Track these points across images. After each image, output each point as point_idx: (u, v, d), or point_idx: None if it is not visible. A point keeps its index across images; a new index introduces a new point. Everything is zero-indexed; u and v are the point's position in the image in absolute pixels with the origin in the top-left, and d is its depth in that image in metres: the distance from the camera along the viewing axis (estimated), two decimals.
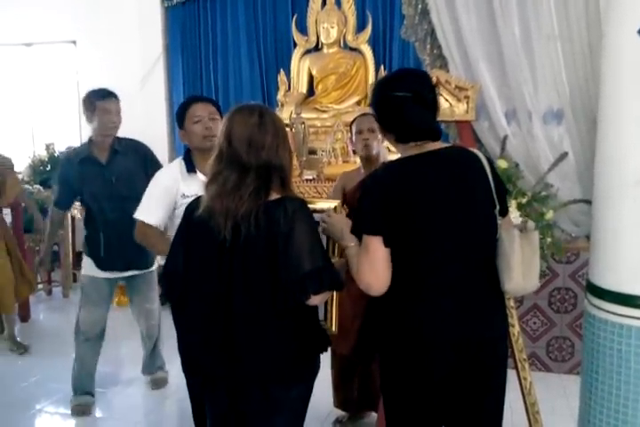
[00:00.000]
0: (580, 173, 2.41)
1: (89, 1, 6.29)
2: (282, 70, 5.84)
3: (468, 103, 2.35)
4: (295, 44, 5.92)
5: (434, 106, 1.77)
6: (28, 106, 7.02)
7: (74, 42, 6.67)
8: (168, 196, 2.36)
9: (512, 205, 2.24)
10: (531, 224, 1.77)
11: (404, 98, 1.69)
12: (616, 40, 2.12)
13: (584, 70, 2.38)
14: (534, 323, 3.65)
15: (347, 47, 5.81)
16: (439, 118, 2.39)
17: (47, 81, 6.94)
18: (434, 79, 2.33)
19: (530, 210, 2.26)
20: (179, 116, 2.47)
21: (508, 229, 1.72)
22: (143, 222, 2.38)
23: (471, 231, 1.68)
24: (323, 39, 5.71)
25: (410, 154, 1.73)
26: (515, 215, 2.21)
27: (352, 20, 5.68)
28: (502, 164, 2.26)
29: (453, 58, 2.51)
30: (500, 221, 1.75)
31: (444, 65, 2.52)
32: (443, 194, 1.66)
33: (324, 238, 1.80)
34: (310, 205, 1.78)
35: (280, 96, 5.82)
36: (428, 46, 2.56)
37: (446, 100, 2.35)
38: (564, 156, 2.34)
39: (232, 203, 1.64)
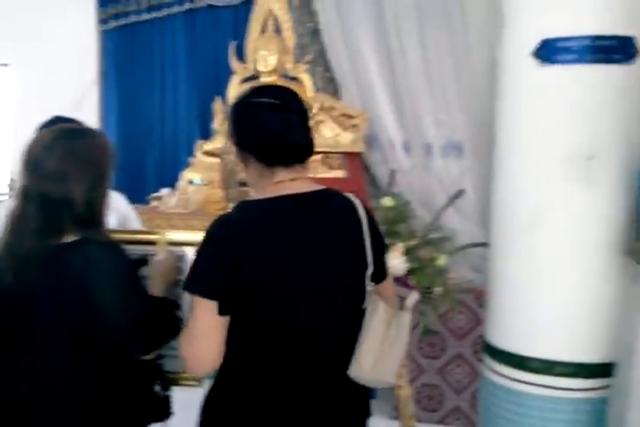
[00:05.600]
0: (482, 214, 2.16)
1: (23, 23, 6.05)
2: (218, 98, 5.59)
3: (356, 132, 2.10)
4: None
5: (306, 119, 1.41)
6: None
7: (5, 64, 6.40)
8: None
9: (400, 248, 1.96)
10: (411, 299, 1.40)
11: (269, 104, 1.35)
12: (510, 66, 1.90)
13: (487, 102, 2.15)
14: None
15: (287, 76, 5.61)
16: (322, 149, 2.17)
17: None
18: (317, 104, 2.10)
19: (420, 254, 1.98)
20: None
21: (374, 300, 1.36)
22: None
23: (334, 300, 1.33)
24: (261, 67, 5.49)
25: (270, 195, 1.36)
26: (400, 260, 1.93)
27: (292, 48, 5.49)
28: (388, 202, 1.98)
29: (346, 83, 2.28)
30: (370, 287, 1.39)
31: (335, 91, 2.28)
32: (303, 250, 1.32)
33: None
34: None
35: (216, 125, 5.55)
36: (320, 69, 2.33)
37: (331, 128, 2.10)
38: (460, 193, 2.08)
39: (13, 240, 1.37)
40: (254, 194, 1.43)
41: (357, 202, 1.43)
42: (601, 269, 1.78)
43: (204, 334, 1.26)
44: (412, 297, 1.42)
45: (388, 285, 1.46)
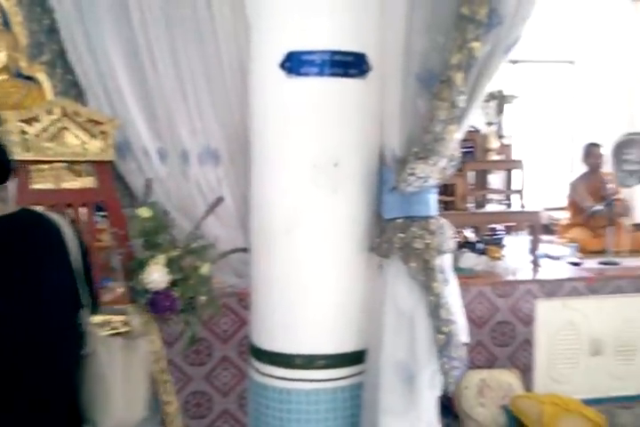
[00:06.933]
0: (242, 220, 2.19)
1: None
2: None
3: (105, 140, 1.98)
4: None
5: None
6: None
7: None
8: None
9: (161, 261, 1.90)
10: (136, 324, 1.33)
11: None
12: (260, 76, 1.97)
13: (240, 108, 2.18)
14: None
15: (21, 76, 5.06)
16: (67, 158, 2.02)
17: None
18: (58, 110, 1.93)
19: (183, 264, 1.95)
20: None
21: (103, 341, 1.22)
22: None
23: (37, 350, 1.12)
24: None
25: None
26: (162, 273, 1.87)
27: (24, 45, 4.96)
28: (145, 212, 1.91)
29: (92, 86, 2.13)
30: (89, 327, 1.24)
31: (79, 94, 2.12)
32: None
33: None
34: None
35: None
36: (59, 70, 2.15)
37: (76, 135, 1.95)
38: (219, 201, 2.10)
39: None
40: None
41: (66, 227, 1.24)
42: (351, 265, 1.94)
43: None
44: (135, 322, 1.33)
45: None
